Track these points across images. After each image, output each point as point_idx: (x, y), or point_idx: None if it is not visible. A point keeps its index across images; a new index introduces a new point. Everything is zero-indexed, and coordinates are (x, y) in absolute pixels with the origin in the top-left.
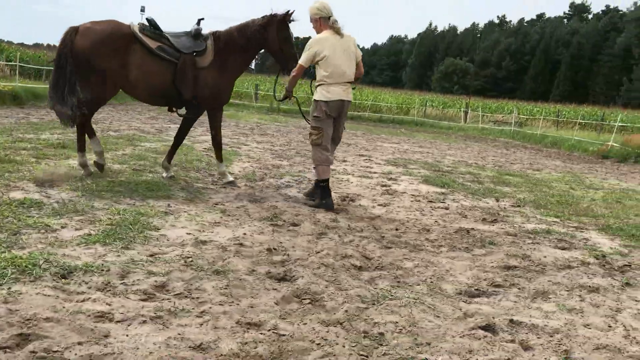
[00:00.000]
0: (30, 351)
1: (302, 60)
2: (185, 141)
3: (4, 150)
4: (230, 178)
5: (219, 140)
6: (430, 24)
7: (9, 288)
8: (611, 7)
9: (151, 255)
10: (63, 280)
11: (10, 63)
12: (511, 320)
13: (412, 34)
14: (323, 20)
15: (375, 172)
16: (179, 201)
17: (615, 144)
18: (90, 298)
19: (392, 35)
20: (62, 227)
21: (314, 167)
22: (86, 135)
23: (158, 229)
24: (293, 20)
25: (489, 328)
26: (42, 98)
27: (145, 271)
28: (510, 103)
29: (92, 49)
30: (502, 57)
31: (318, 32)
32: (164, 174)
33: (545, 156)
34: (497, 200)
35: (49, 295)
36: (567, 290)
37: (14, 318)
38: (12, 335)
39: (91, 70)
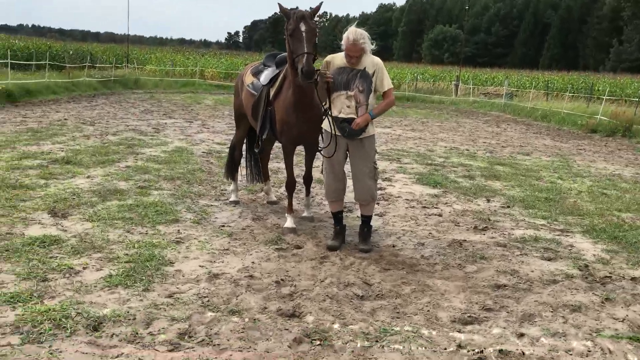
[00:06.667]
0: None
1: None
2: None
3: (12, 172)
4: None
5: (306, 178)
6: None
7: (50, 346)
8: None
9: (170, 296)
10: (95, 333)
11: (1, 60)
12: (500, 351)
13: (401, 1)
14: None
15: None
16: (187, 225)
17: (603, 117)
18: (122, 353)
19: (381, 4)
20: (84, 268)
21: (376, 204)
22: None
23: (172, 263)
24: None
25: None
26: (35, 94)
27: (168, 317)
28: (501, 73)
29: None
30: (492, 23)
31: (357, 57)
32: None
33: (536, 133)
34: (488, 201)
35: (86, 353)
36: (552, 311)
37: None
38: None
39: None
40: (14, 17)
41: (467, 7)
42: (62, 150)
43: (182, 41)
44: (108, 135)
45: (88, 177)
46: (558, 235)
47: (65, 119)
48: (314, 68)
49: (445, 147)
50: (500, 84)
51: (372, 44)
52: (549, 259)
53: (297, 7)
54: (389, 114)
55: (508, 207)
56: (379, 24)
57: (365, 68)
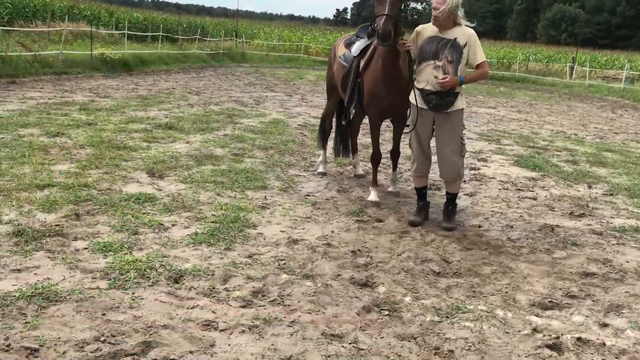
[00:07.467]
0: (152, 359)
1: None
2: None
3: (119, 134)
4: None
5: (393, 153)
6: None
7: (133, 293)
8: None
9: (249, 257)
10: (175, 284)
11: (120, 31)
12: (579, 339)
13: None
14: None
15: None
16: (274, 192)
17: None
18: (198, 305)
19: None
20: (173, 225)
21: (463, 182)
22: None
23: (255, 227)
24: None
25: (555, 347)
26: (148, 63)
27: (244, 276)
28: (623, 56)
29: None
30: (618, 2)
31: (446, 26)
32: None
33: None
34: (590, 187)
35: (164, 302)
36: None
37: (138, 324)
38: (138, 343)
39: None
40: None
41: None
42: (167, 117)
43: (291, 17)
44: (211, 104)
45: (187, 142)
46: None
47: (173, 88)
48: (390, 30)
49: (552, 130)
50: (621, 67)
51: (459, 5)
52: None
53: None
54: (494, 94)
55: (611, 194)
56: (492, 2)
57: (456, 38)
